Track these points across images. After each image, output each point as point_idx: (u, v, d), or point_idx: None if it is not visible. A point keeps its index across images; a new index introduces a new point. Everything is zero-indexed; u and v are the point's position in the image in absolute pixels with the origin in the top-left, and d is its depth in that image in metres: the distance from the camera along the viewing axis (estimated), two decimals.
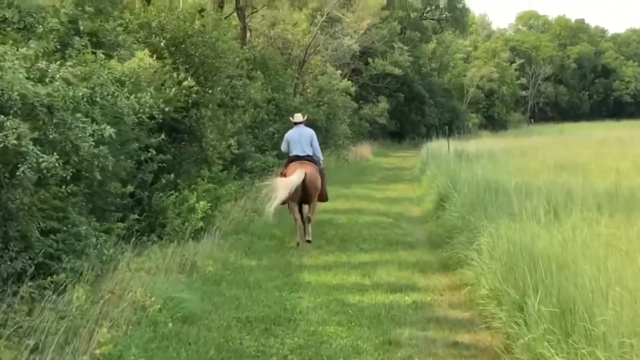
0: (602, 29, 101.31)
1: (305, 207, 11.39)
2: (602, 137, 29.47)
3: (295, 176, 10.88)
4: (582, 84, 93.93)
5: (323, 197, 11.88)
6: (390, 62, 42.80)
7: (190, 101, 11.63)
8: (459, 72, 68.73)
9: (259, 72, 19.96)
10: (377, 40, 40.63)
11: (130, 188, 8.97)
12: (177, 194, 10.61)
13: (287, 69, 23.78)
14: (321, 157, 11.97)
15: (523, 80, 78.83)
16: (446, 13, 60.43)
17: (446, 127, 28.42)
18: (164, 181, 10.66)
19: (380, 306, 7.55)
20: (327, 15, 30.23)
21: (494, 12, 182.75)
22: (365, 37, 37.71)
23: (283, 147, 11.88)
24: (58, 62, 6.53)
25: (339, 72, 30.45)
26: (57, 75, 6.17)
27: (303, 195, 11.13)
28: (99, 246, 7.43)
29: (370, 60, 42.35)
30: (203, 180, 12.15)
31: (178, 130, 11.99)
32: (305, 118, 12.09)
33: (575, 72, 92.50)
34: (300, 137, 11.55)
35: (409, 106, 50.61)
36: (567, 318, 5.37)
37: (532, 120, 77.99)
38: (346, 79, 32.16)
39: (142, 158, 10.02)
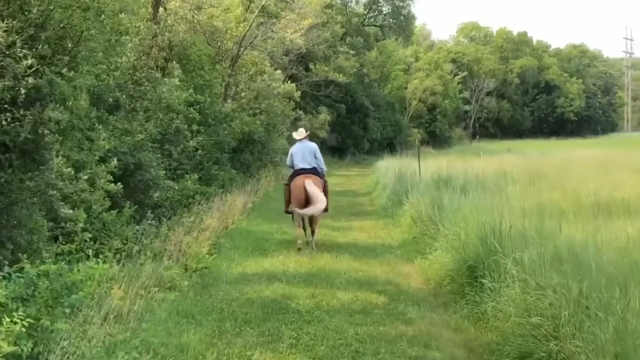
0: (545, 43, 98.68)
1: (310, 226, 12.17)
2: (591, 157, 24.80)
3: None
4: (524, 100, 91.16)
5: (325, 208, 12.13)
6: (334, 68, 37.77)
7: (23, 92, 6.03)
8: (400, 84, 64.61)
9: (176, 63, 14.36)
10: (317, 44, 35.55)
11: None
12: None
13: (215, 65, 18.19)
14: (324, 168, 12.48)
15: (466, 94, 75.22)
16: (390, 19, 56.15)
17: (417, 143, 23.14)
18: None
19: None
20: (263, 7, 24.64)
21: (433, 22, 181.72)
22: (307, 39, 32.45)
23: (288, 162, 12.48)
24: None
25: (279, 71, 24.84)
26: None
27: (306, 204, 11.54)
28: None
29: (311, 65, 37.17)
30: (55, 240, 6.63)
31: (6, 146, 6.34)
32: (308, 133, 12.77)
33: (518, 88, 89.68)
34: (304, 151, 12.13)
35: (352, 119, 45.66)
36: None
37: (477, 136, 74.20)
38: (289, 82, 26.66)
39: None
